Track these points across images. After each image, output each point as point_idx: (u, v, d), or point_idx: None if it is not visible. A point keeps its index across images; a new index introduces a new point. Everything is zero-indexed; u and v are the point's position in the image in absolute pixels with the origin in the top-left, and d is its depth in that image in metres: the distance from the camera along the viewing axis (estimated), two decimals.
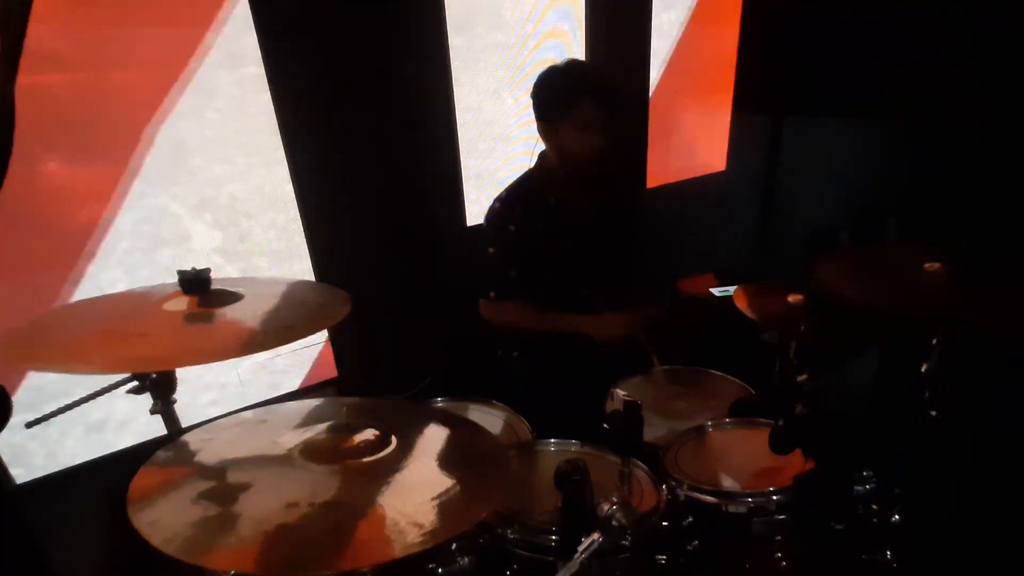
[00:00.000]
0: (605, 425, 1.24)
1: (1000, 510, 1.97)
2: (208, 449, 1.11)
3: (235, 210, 2.04)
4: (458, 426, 1.24)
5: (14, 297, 1.69)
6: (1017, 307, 1.39)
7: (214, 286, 1.31)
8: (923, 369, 1.55)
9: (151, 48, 1.80)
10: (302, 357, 2.31)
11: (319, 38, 2.07)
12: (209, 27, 1.86)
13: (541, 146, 2.06)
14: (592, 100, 1.90)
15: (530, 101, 2.00)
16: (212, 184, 1.97)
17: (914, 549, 1.45)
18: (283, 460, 1.07)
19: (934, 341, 1.52)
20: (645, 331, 2.01)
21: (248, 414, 1.24)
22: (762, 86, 3.33)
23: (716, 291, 2.98)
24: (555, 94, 1.95)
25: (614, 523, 1.10)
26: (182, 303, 1.27)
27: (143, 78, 1.81)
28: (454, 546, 1.26)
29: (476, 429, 1.25)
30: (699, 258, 3.36)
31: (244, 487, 1.00)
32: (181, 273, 1.29)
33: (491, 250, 2.04)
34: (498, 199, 2.06)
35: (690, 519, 1.39)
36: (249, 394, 2.18)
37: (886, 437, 1.66)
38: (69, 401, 1.30)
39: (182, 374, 1.32)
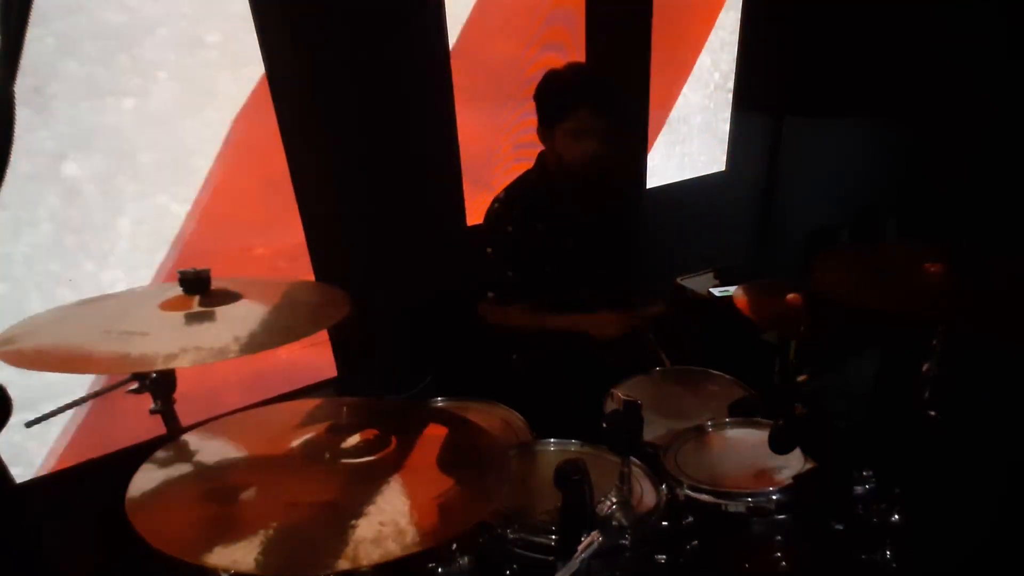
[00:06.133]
0: (604, 425, 1.24)
1: (1000, 510, 1.97)
2: (208, 449, 1.11)
3: None
4: (458, 426, 1.24)
5: None
6: (1017, 307, 1.39)
7: (214, 286, 1.31)
8: (923, 369, 1.55)
9: None
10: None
11: (319, 38, 2.07)
12: None
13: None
14: (589, 108, 1.87)
15: (529, 102, 2.00)
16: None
17: (914, 549, 1.45)
18: (283, 460, 1.07)
19: (934, 341, 1.52)
20: (648, 329, 2.01)
21: (248, 414, 1.24)
22: (762, 86, 3.33)
23: (716, 291, 2.97)
24: (553, 99, 1.94)
25: (614, 523, 1.10)
26: (182, 303, 1.27)
27: None
28: (454, 546, 1.26)
29: (476, 429, 1.25)
30: (699, 258, 3.35)
31: (244, 487, 1.00)
32: (181, 273, 1.29)
33: (489, 250, 2.04)
34: (497, 199, 2.06)
35: (690, 519, 1.39)
36: None
37: (886, 437, 1.66)
38: (69, 401, 1.30)
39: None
